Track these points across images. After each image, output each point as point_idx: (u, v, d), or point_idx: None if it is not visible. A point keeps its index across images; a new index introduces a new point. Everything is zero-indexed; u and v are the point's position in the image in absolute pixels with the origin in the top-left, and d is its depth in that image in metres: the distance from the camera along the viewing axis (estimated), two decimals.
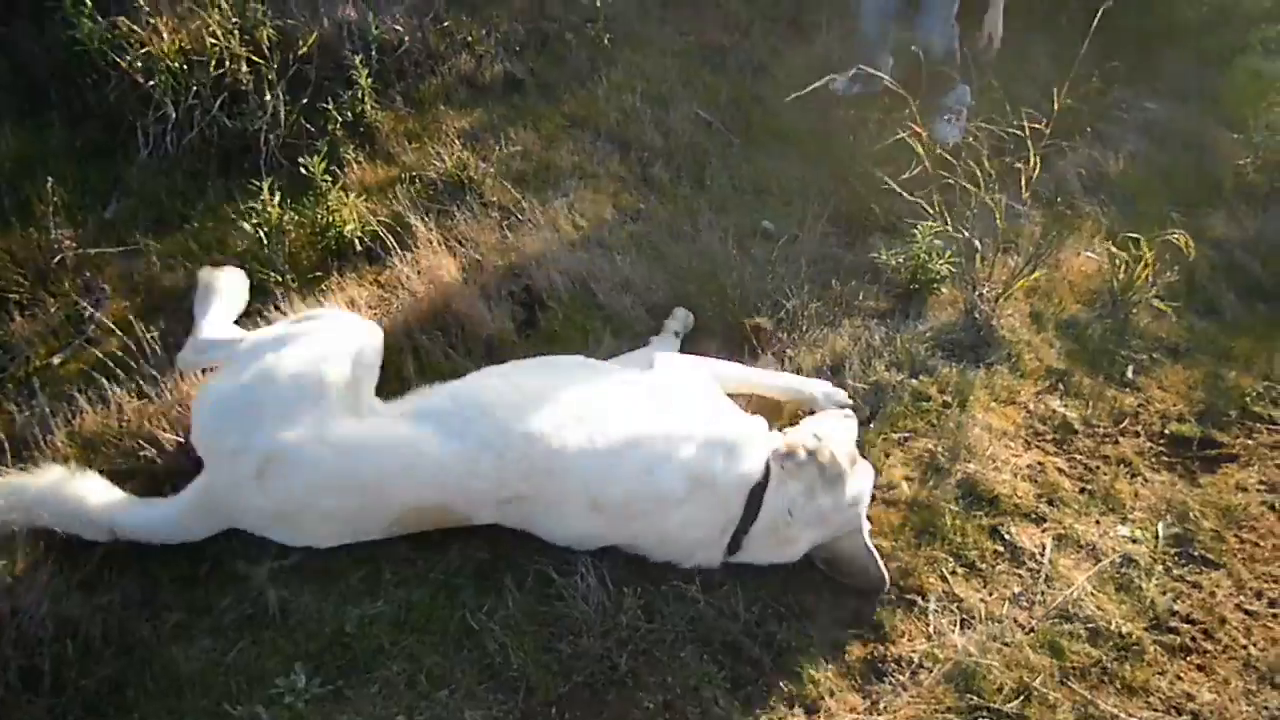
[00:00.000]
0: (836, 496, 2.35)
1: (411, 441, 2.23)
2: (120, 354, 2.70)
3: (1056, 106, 3.19)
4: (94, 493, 2.22)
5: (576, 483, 2.24)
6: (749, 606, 2.35)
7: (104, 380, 2.58)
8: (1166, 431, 3.14)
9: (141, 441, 2.45)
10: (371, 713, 2.08)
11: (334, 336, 2.37)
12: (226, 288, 2.66)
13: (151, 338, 2.73)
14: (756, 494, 2.31)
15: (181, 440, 2.45)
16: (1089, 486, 2.88)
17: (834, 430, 2.53)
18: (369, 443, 2.23)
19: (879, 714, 2.15)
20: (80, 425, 2.51)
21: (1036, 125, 3.19)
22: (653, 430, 2.30)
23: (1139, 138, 4.67)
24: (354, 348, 2.36)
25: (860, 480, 2.44)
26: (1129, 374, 3.36)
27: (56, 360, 2.75)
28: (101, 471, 2.32)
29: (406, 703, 2.10)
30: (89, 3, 3.31)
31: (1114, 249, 3.61)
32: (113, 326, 2.77)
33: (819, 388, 2.83)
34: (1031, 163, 3.26)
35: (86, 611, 2.09)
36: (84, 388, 2.59)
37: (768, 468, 2.33)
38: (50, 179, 2.99)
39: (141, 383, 2.61)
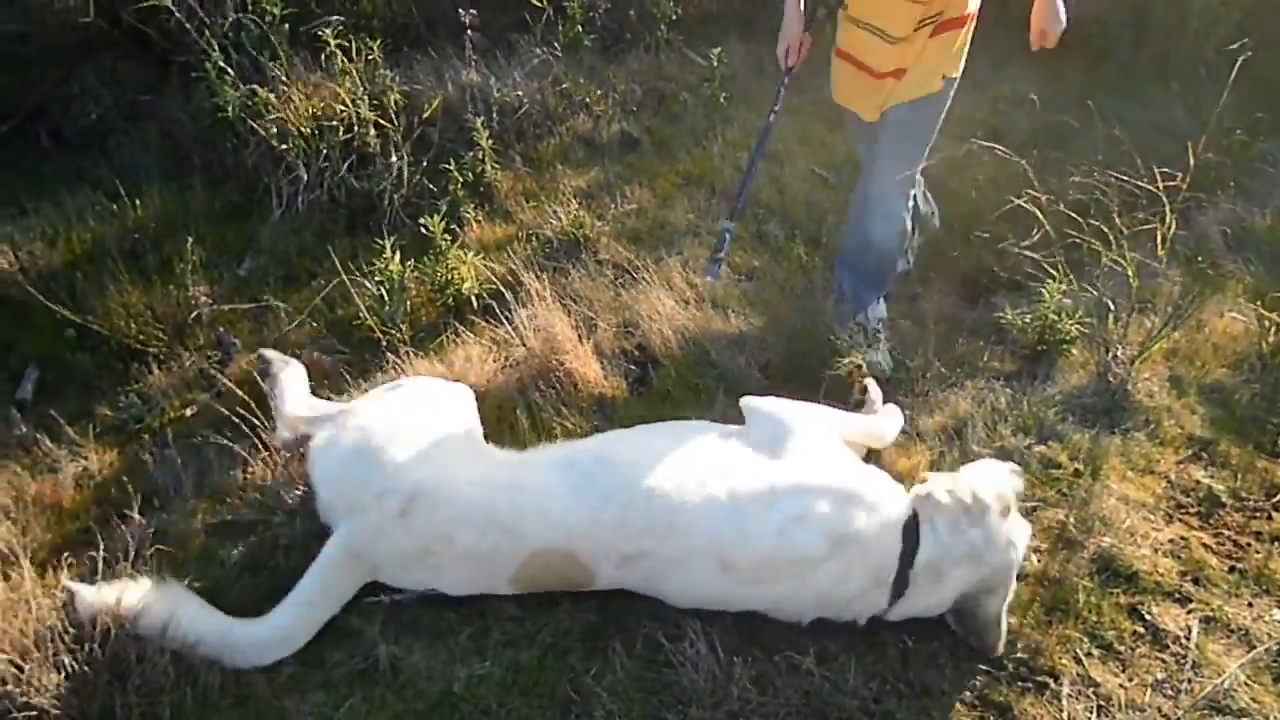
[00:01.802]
0: (986, 531, 2.27)
1: (542, 486, 2.26)
2: (244, 410, 2.78)
3: (1193, 159, 3.04)
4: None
5: (703, 540, 2.20)
6: (866, 682, 2.24)
7: (228, 436, 2.66)
8: None
9: (263, 496, 2.50)
10: None
11: (434, 392, 2.50)
12: (293, 368, 2.71)
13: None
14: (911, 529, 2.26)
15: (302, 495, 2.50)
16: (1239, 565, 2.67)
17: (981, 474, 2.42)
18: (503, 481, 2.27)
19: None
20: (209, 477, 2.59)
21: (1171, 183, 3.04)
22: (781, 485, 2.25)
23: None
24: (457, 401, 2.47)
25: (1015, 529, 2.34)
26: None
27: (189, 413, 2.86)
28: (226, 523, 2.38)
29: None
30: (231, 72, 3.49)
31: (1262, 309, 3.39)
32: (236, 385, 2.86)
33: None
34: (1167, 219, 3.10)
35: (205, 661, 2.13)
36: (213, 440, 2.68)
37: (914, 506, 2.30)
38: (190, 239, 3.14)
39: (266, 438, 2.68)
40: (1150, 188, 3.11)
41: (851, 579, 2.24)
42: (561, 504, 2.22)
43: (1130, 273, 3.16)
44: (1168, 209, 3.09)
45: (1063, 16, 2.94)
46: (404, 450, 2.27)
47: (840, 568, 2.22)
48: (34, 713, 1.95)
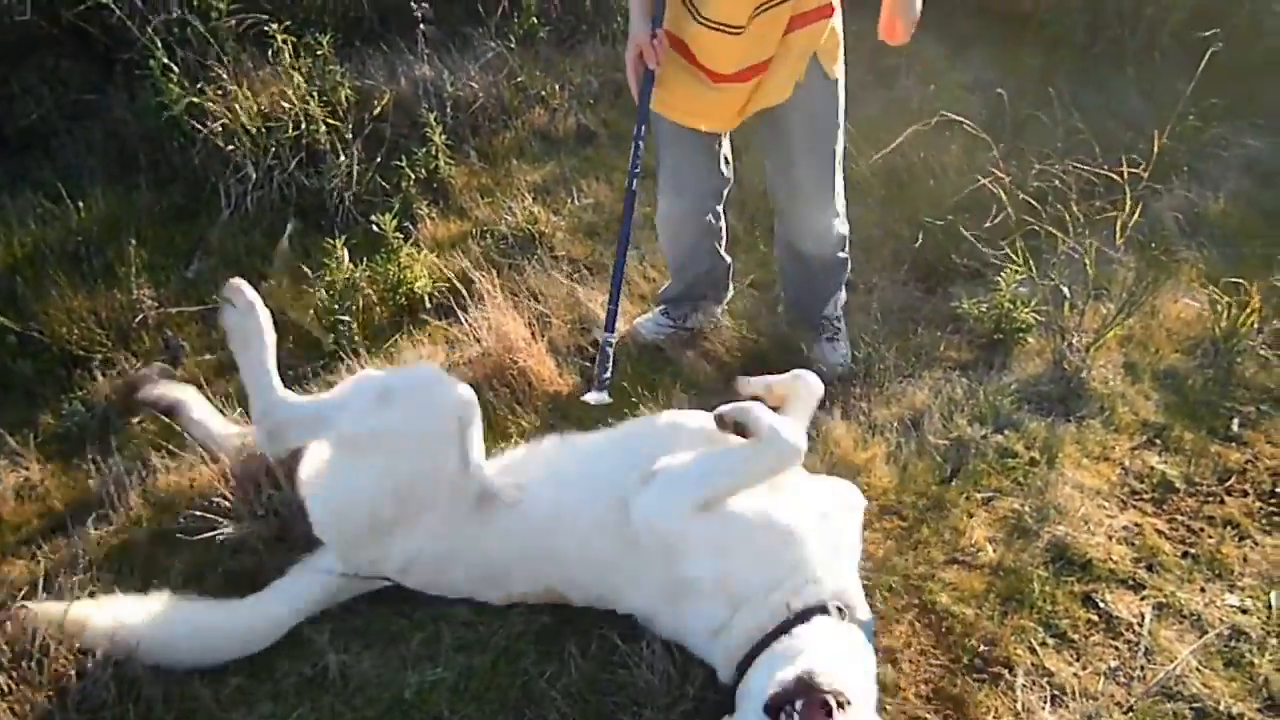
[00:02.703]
0: None
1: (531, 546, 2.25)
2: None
3: (1156, 147, 3.05)
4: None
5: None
6: None
7: (175, 445, 2.61)
8: (1277, 490, 2.91)
9: (210, 502, 2.46)
10: None
11: (436, 409, 2.21)
12: (263, 328, 2.38)
13: (224, 397, 2.76)
14: None
15: (248, 501, 2.46)
16: (1192, 550, 2.68)
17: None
18: (495, 539, 2.24)
19: None
20: (153, 485, 2.54)
21: (1134, 170, 3.05)
22: None
23: (1240, 177, 4.44)
24: (457, 420, 2.21)
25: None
26: (1234, 427, 3.14)
27: (135, 420, 2.80)
28: (170, 531, 2.33)
29: None
30: (176, 70, 3.42)
31: (1215, 294, 3.41)
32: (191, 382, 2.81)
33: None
34: (1127, 206, 3.11)
35: (148, 674, 2.08)
36: (159, 447, 2.63)
37: None
38: (134, 241, 3.08)
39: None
40: (1111, 174, 3.12)
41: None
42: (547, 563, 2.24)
43: (1088, 260, 3.17)
44: (1128, 197, 3.10)
45: (917, 7, 2.62)
46: (399, 514, 2.17)
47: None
48: None
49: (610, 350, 2.76)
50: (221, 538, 2.36)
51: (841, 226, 3.04)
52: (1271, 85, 5.05)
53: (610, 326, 2.78)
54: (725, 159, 3.01)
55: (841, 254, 3.11)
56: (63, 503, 2.48)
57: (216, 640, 2.17)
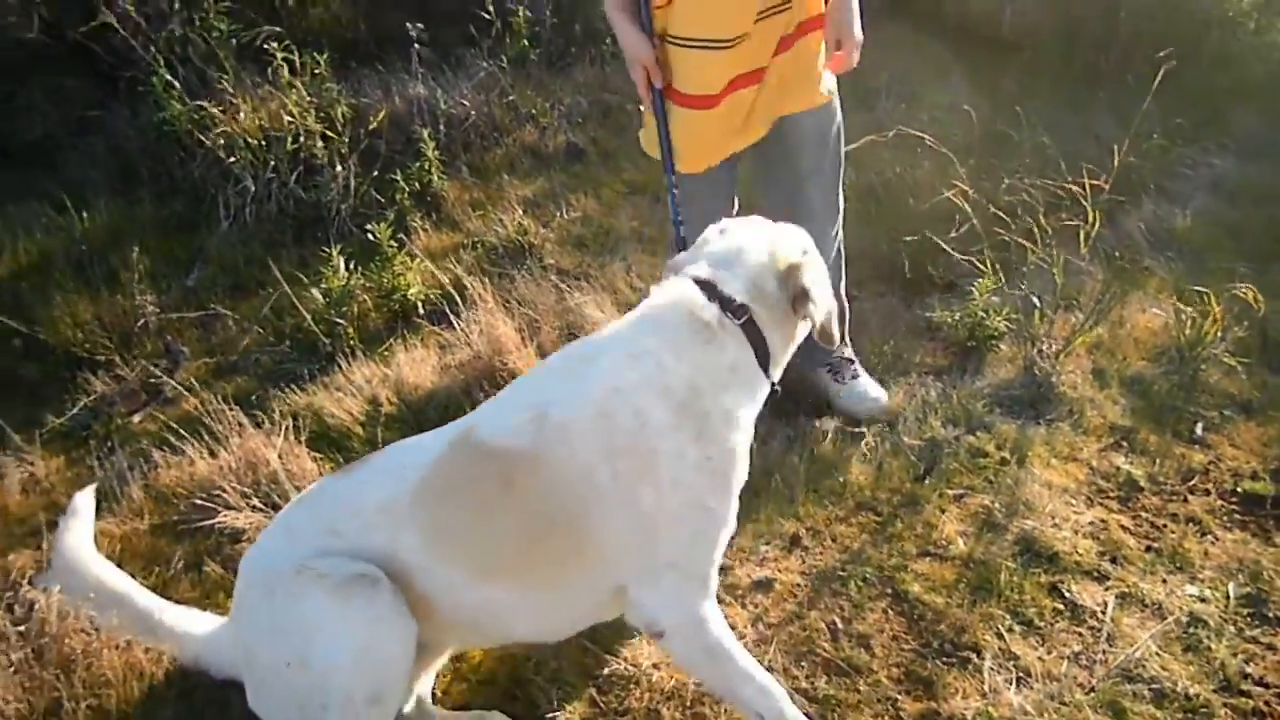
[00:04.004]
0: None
1: None
2: (194, 413, 2.83)
3: (1117, 160, 3.19)
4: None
5: None
6: (797, 661, 2.33)
7: (177, 438, 2.70)
8: (1239, 490, 3.02)
9: (209, 496, 2.55)
10: None
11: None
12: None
13: (223, 398, 2.86)
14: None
15: (246, 496, 2.56)
16: (1155, 545, 2.79)
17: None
18: None
19: None
20: (154, 479, 2.64)
21: (1095, 182, 3.19)
22: None
23: (1207, 195, 4.60)
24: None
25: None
26: (1198, 431, 3.25)
27: (136, 419, 2.90)
28: (171, 523, 2.43)
29: None
30: (178, 86, 3.55)
31: (1180, 305, 3.54)
32: (186, 390, 2.92)
33: None
34: (1090, 218, 3.25)
35: (151, 656, 2.17)
36: (160, 444, 2.72)
37: None
38: (137, 248, 3.18)
39: (212, 442, 2.73)
40: (1075, 187, 3.26)
41: None
42: None
43: (1055, 271, 3.30)
44: (1090, 209, 3.24)
45: (857, 28, 2.55)
46: None
47: None
48: None
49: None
50: (221, 528, 2.45)
51: (839, 244, 3.09)
52: (1238, 109, 5.23)
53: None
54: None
55: (838, 275, 3.11)
56: (66, 496, 2.54)
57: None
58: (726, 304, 1.95)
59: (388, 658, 1.86)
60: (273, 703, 1.99)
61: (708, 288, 1.97)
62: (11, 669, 2.04)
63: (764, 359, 1.99)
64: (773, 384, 2.05)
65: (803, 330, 2.10)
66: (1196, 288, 3.48)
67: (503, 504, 1.89)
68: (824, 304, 2.05)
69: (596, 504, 1.86)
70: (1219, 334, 3.44)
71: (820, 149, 2.87)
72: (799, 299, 2.00)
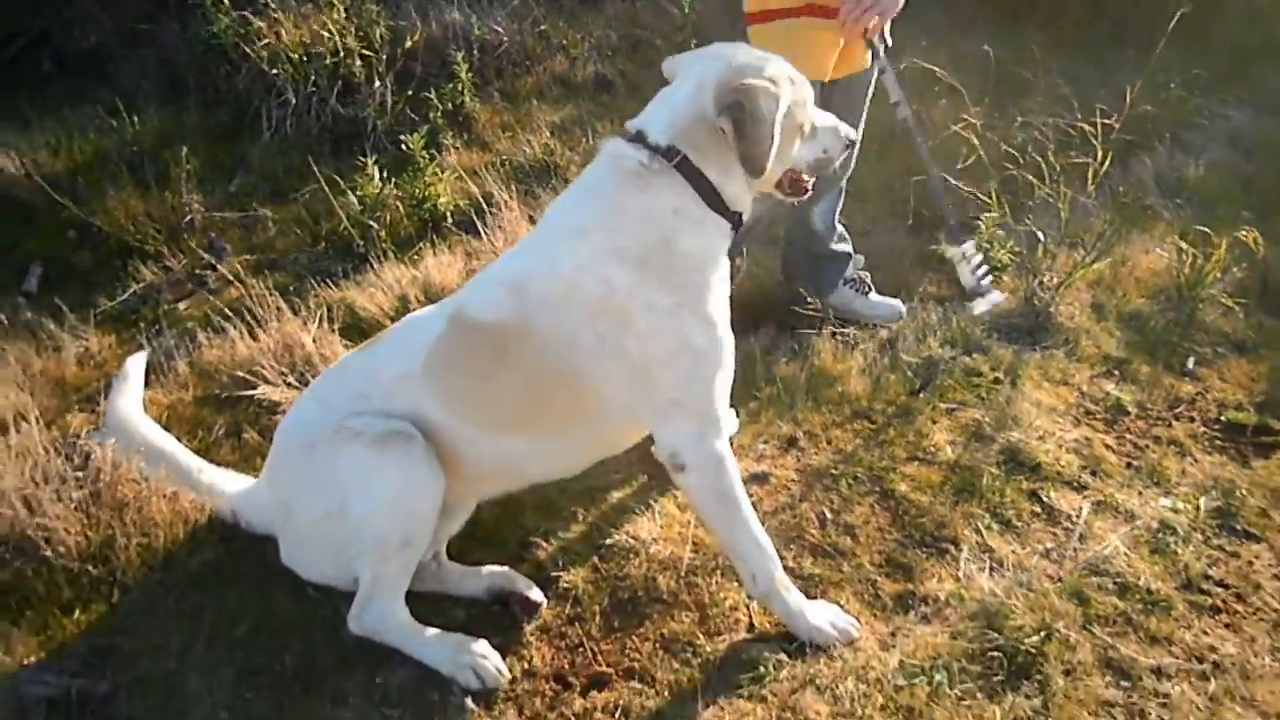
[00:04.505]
0: None
1: None
2: (236, 301, 3.03)
3: (1128, 102, 3.29)
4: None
5: None
6: (787, 544, 2.51)
7: (221, 320, 2.91)
8: (1222, 418, 3.15)
9: (249, 373, 2.76)
10: None
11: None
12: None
13: (264, 290, 3.05)
14: None
15: (283, 374, 2.76)
16: (1135, 463, 2.93)
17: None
18: None
19: (901, 640, 2.27)
20: (198, 357, 2.84)
21: (1106, 121, 3.30)
22: None
23: (1222, 146, 4.67)
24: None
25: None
26: (1190, 365, 3.37)
27: (182, 306, 3.10)
28: (214, 395, 2.63)
29: None
30: (225, 1, 3.71)
31: (1184, 245, 3.65)
32: (228, 282, 3.11)
33: None
34: (1099, 157, 3.35)
35: (195, 504, 2.38)
36: (204, 326, 2.93)
37: None
38: (185, 149, 3.37)
39: (253, 325, 2.93)
40: (1086, 126, 3.37)
41: None
42: None
43: (1061, 206, 3.42)
44: (1099, 147, 3.35)
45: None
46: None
47: None
48: (45, 534, 2.20)
49: (972, 255, 3.09)
50: (260, 400, 2.65)
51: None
52: (1261, 65, 5.27)
53: (957, 237, 3.12)
54: None
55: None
56: (118, 368, 2.77)
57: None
58: (654, 150, 2.03)
59: (420, 504, 2.07)
60: (308, 555, 2.20)
61: (638, 138, 2.06)
62: (73, 505, 2.26)
63: (710, 195, 2.06)
64: (736, 214, 2.12)
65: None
66: (1200, 228, 3.59)
67: (501, 370, 2.08)
68: (753, 127, 1.98)
69: (587, 362, 2.05)
70: (1218, 275, 3.55)
71: (866, 93, 3.05)
72: (722, 119, 1.99)
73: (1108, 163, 3.37)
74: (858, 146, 3.04)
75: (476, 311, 2.11)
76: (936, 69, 3.32)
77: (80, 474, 2.33)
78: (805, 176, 2.28)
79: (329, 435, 2.09)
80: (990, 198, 3.49)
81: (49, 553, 2.21)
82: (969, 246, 3.11)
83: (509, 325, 2.06)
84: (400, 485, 2.04)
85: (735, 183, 2.11)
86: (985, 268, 3.14)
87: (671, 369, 2.06)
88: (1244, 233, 3.44)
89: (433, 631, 2.15)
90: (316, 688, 2.08)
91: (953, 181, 3.51)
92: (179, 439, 2.50)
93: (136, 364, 2.53)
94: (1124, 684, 2.21)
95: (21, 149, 3.54)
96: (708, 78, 2.05)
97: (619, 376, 2.06)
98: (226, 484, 2.38)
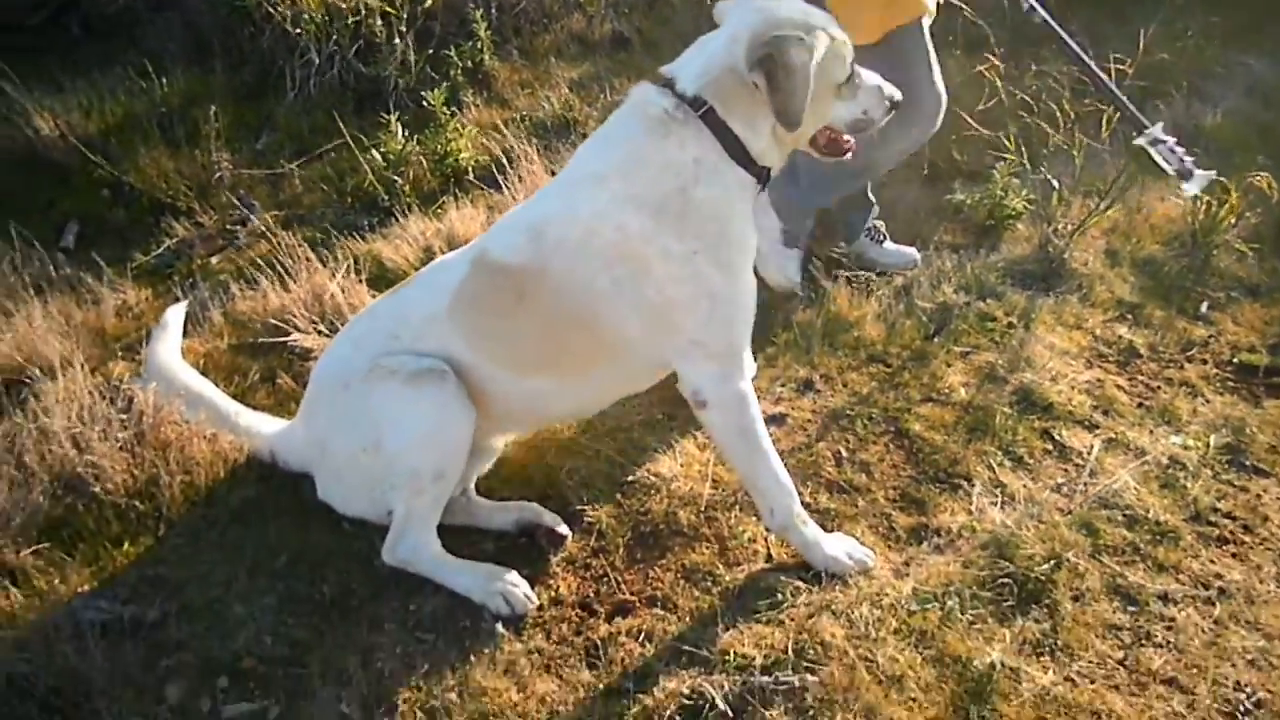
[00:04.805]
0: None
1: None
2: (267, 254, 3.12)
3: (1140, 48, 3.31)
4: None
5: None
6: (804, 481, 2.58)
7: (253, 271, 3.00)
8: (1235, 360, 3.20)
9: (281, 321, 2.85)
10: None
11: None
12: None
13: (293, 243, 3.14)
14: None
15: (314, 322, 2.85)
16: (1147, 403, 2.99)
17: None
18: None
19: (915, 569, 2.35)
20: (232, 308, 2.94)
21: (1121, 67, 3.32)
22: None
23: (1240, 96, 4.65)
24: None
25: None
26: (1203, 309, 3.41)
27: (214, 260, 3.20)
28: (248, 343, 2.73)
29: None
30: None
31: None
32: (262, 232, 3.20)
33: None
34: (1112, 105, 3.38)
35: (234, 445, 2.49)
36: (237, 278, 3.02)
37: None
38: (213, 109, 3.45)
39: (284, 276, 3.02)
40: (1097, 69, 3.38)
41: None
42: None
43: (1076, 154, 3.45)
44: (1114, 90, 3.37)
45: None
46: None
47: None
48: (94, 471, 2.31)
49: (1164, 138, 3.00)
50: (292, 346, 2.75)
51: None
52: None
53: (1140, 126, 3.03)
54: None
55: None
56: (155, 320, 2.87)
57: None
58: (680, 98, 2.05)
59: (453, 437, 2.16)
60: (344, 489, 2.30)
61: (668, 84, 2.08)
62: (118, 446, 2.36)
63: (734, 147, 2.08)
64: (763, 169, 2.13)
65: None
66: (1218, 179, 3.61)
67: (522, 311, 2.16)
68: (786, 79, 1.98)
69: (605, 305, 2.11)
70: (1233, 220, 3.58)
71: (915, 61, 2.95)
72: (754, 73, 2.00)
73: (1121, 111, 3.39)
74: (944, 100, 3.01)
75: (497, 254, 2.18)
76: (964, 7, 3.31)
77: (125, 416, 2.43)
78: (845, 136, 2.28)
79: (363, 374, 2.17)
80: (1007, 141, 3.52)
81: (98, 489, 2.32)
82: (1157, 130, 2.96)
83: (527, 268, 2.13)
84: (434, 419, 2.13)
85: (762, 138, 2.11)
86: (1181, 148, 2.98)
87: (691, 312, 2.12)
88: (1259, 178, 3.46)
89: (464, 562, 2.24)
90: (353, 615, 2.18)
91: (971, 122, 3.53)
92: (216, 384, 2.61)
93: (176, 314, 2.63)
94: (1131, 609, 2.29)
95: (56, 111, 3.64)
96: (742, 29, 2.06)
97: (638, 319, 2.13)
98: (263, 426, 2.48)
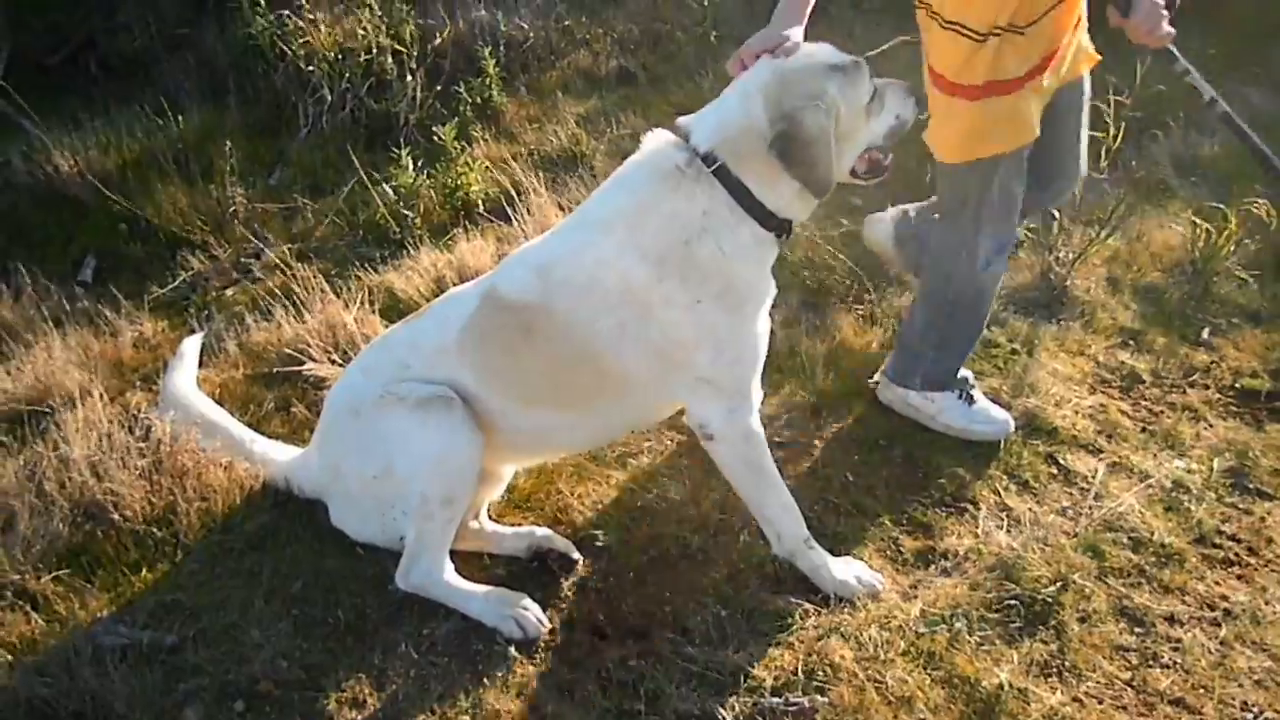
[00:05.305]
0: None
1: None
2: (281, 286, 3.18)
3: (1138, 80, 3.38)
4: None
5: None
6: (811, 505, 2.60)
7: (268, 302, 3.05)
8: (1237, 385, 3.22)
9: (296, 351, 2.90)
10: None
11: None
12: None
13: (306, 276, 3.20)
14: None
15: (327, 352, 2.90)
16: (1150, 427, 3.01)
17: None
18: None
19: (922, 591, 2.37)
20: (247, 339, 2.99)
21: (1119, 98, 3.38)
22: None
23: None
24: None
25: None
26: (1204, 335, 3.44)
27: (229, 292, 3.26)
28: (263, 373, 2.78)
29: None
30: (262, 2, 3.88)
31: (1198, 219, 3.72)
32: (276, 265, 3.26)
33: None
34: (1111, 133, 3.44)
35: (250, 473, 2.53)
36: (252, 310, 3.08)
37: None
38: (228, 145, 3.53)
39: (299, 307, 3.07)
40: (1099, 103, 3.45)
41: None
42: None
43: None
44: (1111, 124, 3.43)
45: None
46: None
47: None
48: (113, 499, 2.35)
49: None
50: (307, 376, 2.79)
51: None
52: (1279, 45, 5.31)
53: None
54: None
55: None
56: (172, 351, 2.92)
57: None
58: (693, 153, 2.08)
59: (460, 463, 2.19)
60: (356, 515, 2.34)
61: (684, 136, 2.11)
62: (137, 473, 2.41)
63: (747, 201, 2.09)
64: (783, 221, 2.14)
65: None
66: (1214, 204, 3.66)
67: (528, 347, 2.20)
68: (805, 151, 2.01)
69: (609, 345, 2.15)
70: (1232, 248, 3.62)
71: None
72: (772, 153, 2.02)
73: (1120, 139, 3.45)
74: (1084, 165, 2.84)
75: (506, 291, 2.22)
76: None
77: (143, 445, 2.48)
78: (881, 156, 2.27)
79: (374, 401, 2.22)
80: None
81: (116, 516, 2.36)
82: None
83: (534, 306, 2.17)
84: (442, 445, 2.17)
85: (779, 195, 2.12)
86: None
87: (698, 353, 2.16)
88: (1257, 205, 3.51)
89: (476, 586, 2.27)
90: (368, 639, 2.20)
91: None
92: (232, 413, 2.65)
93: (192, 345, 2.68)
94: (1137, 630, 2.31)
95: (74, 148, 3.72)
96: (753, 87, 2.08)
97: (643, 359, 2.17)
98: (278, 453, 2.52)
